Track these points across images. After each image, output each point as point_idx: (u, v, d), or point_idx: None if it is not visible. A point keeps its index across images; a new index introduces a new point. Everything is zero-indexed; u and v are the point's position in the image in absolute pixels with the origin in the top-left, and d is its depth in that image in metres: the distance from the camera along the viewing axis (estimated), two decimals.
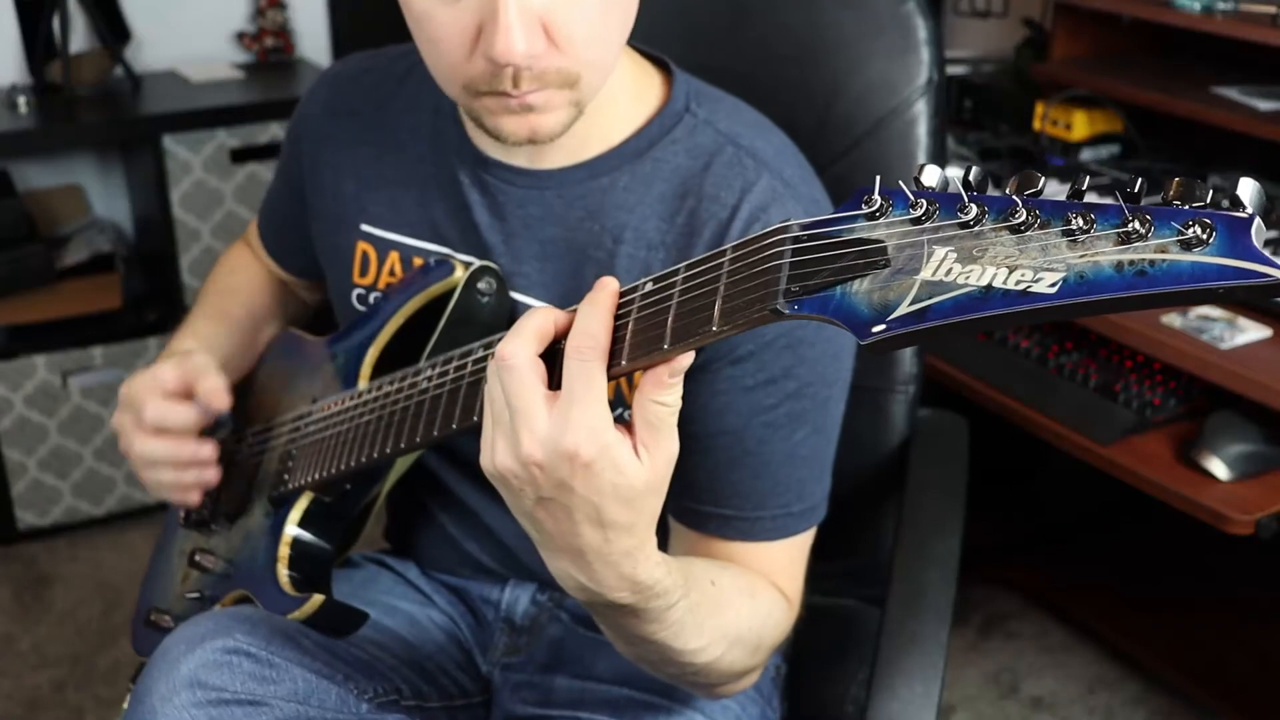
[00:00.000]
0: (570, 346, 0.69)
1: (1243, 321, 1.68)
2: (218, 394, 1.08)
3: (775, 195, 0.99)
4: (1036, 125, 2.14)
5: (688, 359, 0.69)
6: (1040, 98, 2.17)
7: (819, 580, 1.40)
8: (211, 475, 1.10)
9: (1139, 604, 2.16)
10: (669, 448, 0.72)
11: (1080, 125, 2.08)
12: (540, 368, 0.71)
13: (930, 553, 1.21)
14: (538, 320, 0.73)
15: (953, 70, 2.40)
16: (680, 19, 1.34)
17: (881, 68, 1.26)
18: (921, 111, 1.26)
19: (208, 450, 1.09)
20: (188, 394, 1.09)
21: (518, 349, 0.71)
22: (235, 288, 1.29)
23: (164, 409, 1.07)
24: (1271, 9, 1.83)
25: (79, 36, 2.51)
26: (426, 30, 0.90)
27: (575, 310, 0.72)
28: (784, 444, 0.99)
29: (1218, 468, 1.58)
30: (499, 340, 0.84)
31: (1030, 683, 2.08)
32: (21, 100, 2.37)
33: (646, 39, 1.09)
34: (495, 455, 0.73)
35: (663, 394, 0.70)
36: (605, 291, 0.71)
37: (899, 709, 1.07)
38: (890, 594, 1.17)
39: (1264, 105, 1.89)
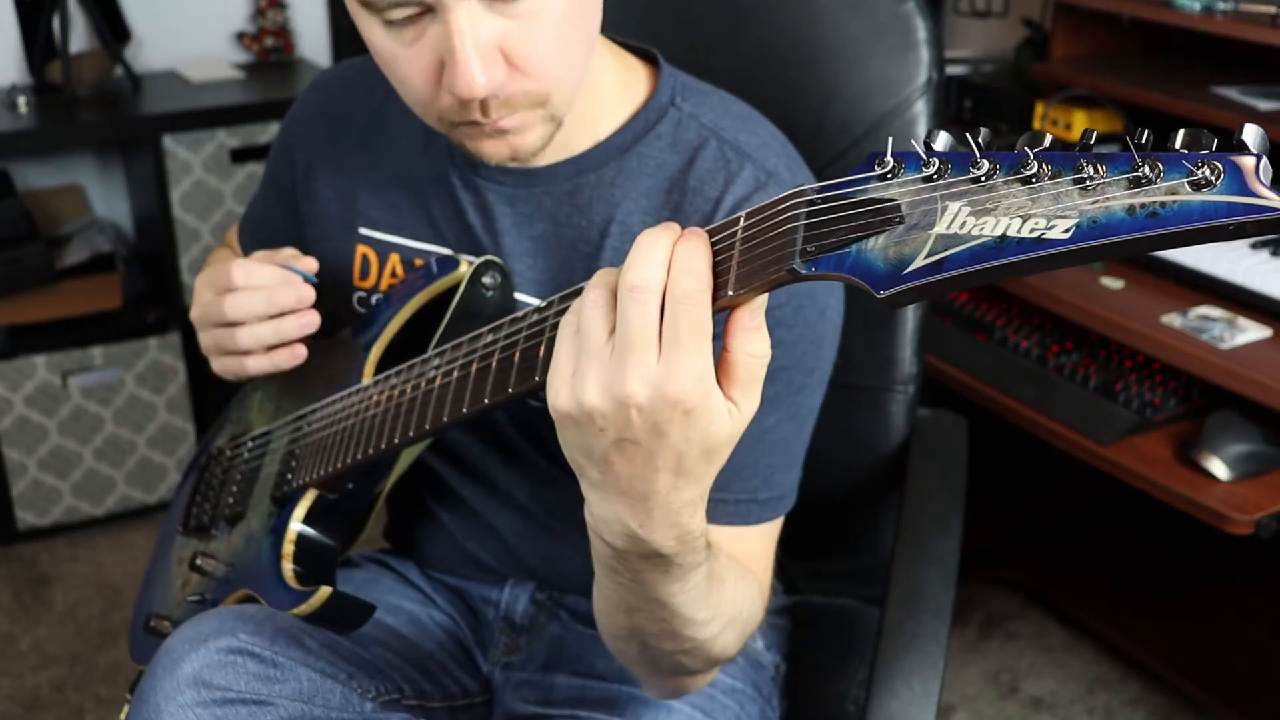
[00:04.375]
0: (679, 289, 0.66)
1: (1243, 321, 1.68)
2: (302, 257, 1.05)
3: (759, 184, 1.00)
4: (1036, 125, 2.14)
5: (764, 297, 0.67)
6: (1040, 98, 2.17)
7: (818, 580, 1.41)
8: (314, 319, 1.03)
9: (1139, 604, 2.16)
10: (755, 401, 0.70)
11: (1080, 125, 2.08)
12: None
13: (930, 552, 1.21)
14: (664, 248, 0.67)
15: (953, 70, 2.40)
16: (680, 20, 1.34)
17: (881, 68, 1.26)
18: (921, 111, 1.26)
19: (309, 292, 1.03)
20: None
21: (652, 279, 0.66)
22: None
23: (252, 267, 1.02)
24: (1271, 9, 1.83)
25: (79, 36, 2.51)
26: (393, 71, 0.92)
27: (677, 229, 0.69)
28: (754, 427, 0.97)
29: (1218, 468, 1.58)
30: (507, 322, 0.85)
31: (1030, 683, 2.08)
32: (21, 100, 2.37)
33: (647, 40, 1.09)
34: (583, 392, 0.68)
35: (753, 344, 0.68)
36: (700, 232, 0.68)
37: (898, 709, 1.07)
38: (890, 594, 1.17)
39: (1264, 105, 1.89)
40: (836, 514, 1.38)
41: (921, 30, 1.26)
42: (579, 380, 0.68)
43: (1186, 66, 2.14)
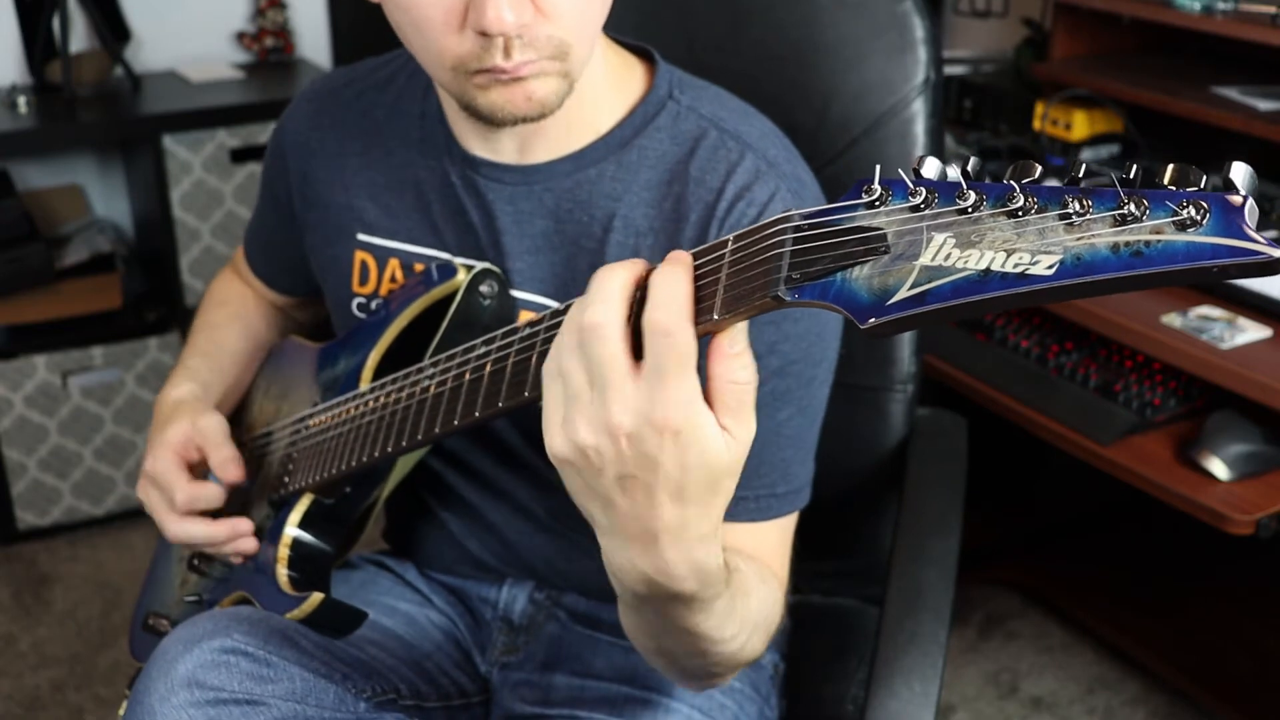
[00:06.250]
0: (654, 319, 0.65)
1: (1243, 321, 1.67)
2: (231, 466, 1.09)
3: (759, 174, 1.00)
4: (1036, 125, 2.14)
5: (743, 325, 0.67)
6: (1040, 97, 2.16)
7: (818, 580, 1.41)
8: (249, 545, 1.09)
9: (1139, 604, 2.16)
10: (750, 427, 0.69)
11: (1080, 125, 2.08)
12: (629, 335, 0.67)
13: (929, 552, 1.21)
14: (621, 281, 0.67)
15: (952, 70, 2.40)
16: (680, 20, 1.34)
17: (879, 67, 1.26)
18: (919, 110, 1.26)
19: (245, 525, 1.09)
20: (203, 459, 1.11)
21: (608, 316, 0.66)
22: (226, 320, 1.28)
23: (194, 493, 1.08)
24: (1271, 9, 1.83)
25: (79, 36, 2.51)
26: (412, 15, 0.90)
27: (644, 264, 0.69)
28: (768, 423, 0.98)
29: (1218, 468, 1.58)
30: (502, 334, 0.85)
31: (1030, 683, 2.08)
32: (21, 100, 2.37)
33: (647, 40, 1.09)
34: (575, 431, 0.68)
35: (735, 370, 0.67)
36: (682, 259, 0.68)
37: (898, 708, 1.07)
38: (889, 593, 1.17)
39: (1264, 105, 1.89)
40: (836, 514, 1.37)
41: (919, 29, 1.26)
42: (569, 422, 0.68)
43: (1186, 66, 2.13)
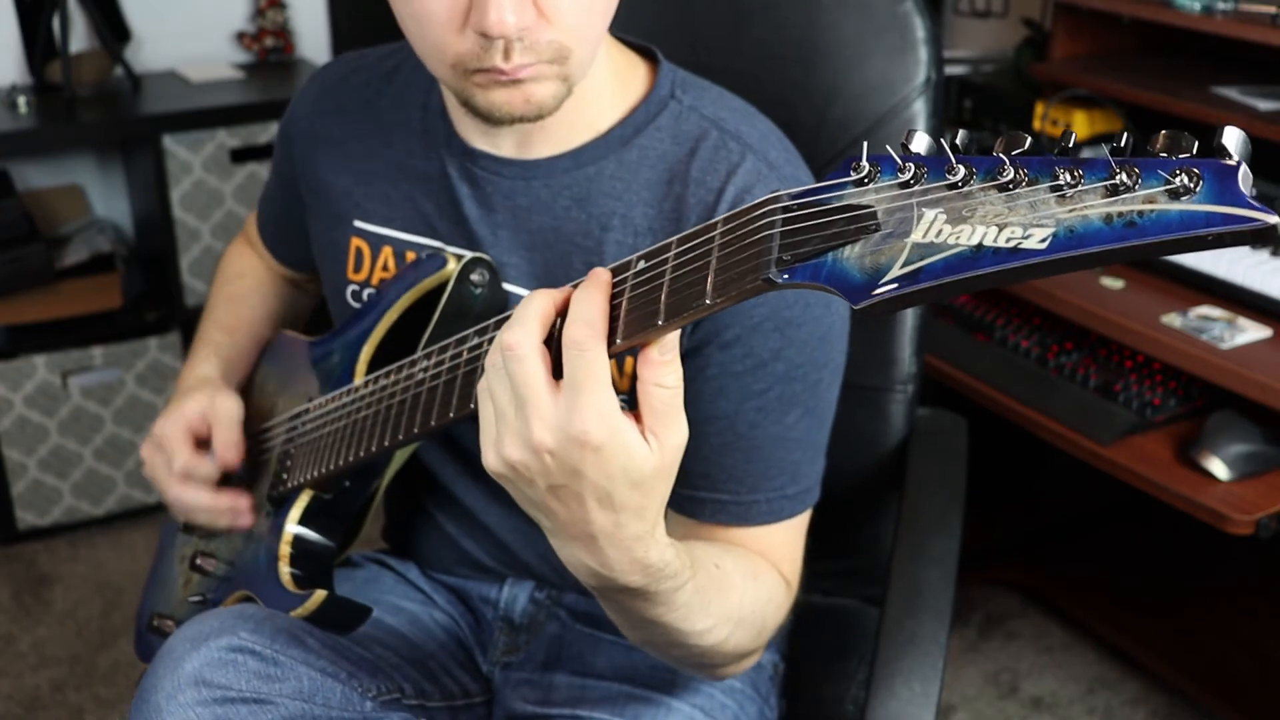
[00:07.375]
0: (569, 337, 0.69)
1: (1243, 321, 1.68)
2: (232, 450, 1.10)
3: (760, 176, 1.00)
4: (1036, 125, 2.14)
5: (674, 334, 0.69)
6: (1040, 98, 2.17)
7: (818, 580, 1.41)
8: (246, 520, 1.11)
9: (1139, 604, 2.16)
10: (678, 432, 0.72)
11: (1080, 125, 2.08)
12: (546, 355, 0.71)
13: (929, 552, 1.21)
14: (538, 305, 0.72)
15: (953, 70, 2.40)
16: (680, 19, 1.34)
17: (880, 67, 1.26)
18: (920, 111, 1.27)
19: (243, 503, 1.10)
20: (209, 437, 1.12)
21: (523, 337, 0.70)
22: (245, 293, 1.30)
23: (193, 462, 1.10)
24: (1271, 9, 1.83)
25: (79, 36, 2.51)
26: (414, 9, 0.90)
27: (571, 287, 0.72)
28: (776, 427, 0.99)
29: (1218, 468, 1.58)
30: (494, 325, 0.85)
31: (1030, 683, 2.08)
32: (21, 100, 2.37)
33: (649, 39, 1.09)
34: (503, 448, 0.72)
35: (662, 375, 0.70)
36: (599, 279, 0.71)
37: (898, 708, 1.07)
38: (889, 593, 1.17)
39: (1264, 105, 1.89)
40: (836, 514, 1.37)
41: (920, 30, 1.27)
42: (499, 440, 0.73)
43: (1186, 66, 2.14)
